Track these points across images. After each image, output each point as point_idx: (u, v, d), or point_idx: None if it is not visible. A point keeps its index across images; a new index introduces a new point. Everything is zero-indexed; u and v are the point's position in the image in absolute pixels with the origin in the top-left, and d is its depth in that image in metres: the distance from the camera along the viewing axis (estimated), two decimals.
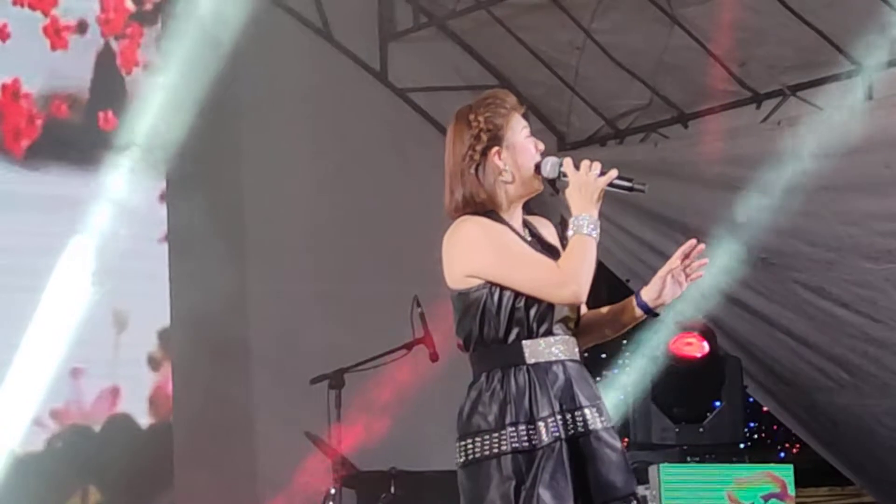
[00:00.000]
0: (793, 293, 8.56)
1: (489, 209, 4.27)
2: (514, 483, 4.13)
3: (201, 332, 8.38)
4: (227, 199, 8.81)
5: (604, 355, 8.54)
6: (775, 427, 11.78)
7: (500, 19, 9.02)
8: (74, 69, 8.07)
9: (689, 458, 7.95)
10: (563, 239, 4.33)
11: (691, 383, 8.16)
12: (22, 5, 7.95)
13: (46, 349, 7.73)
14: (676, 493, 7.65)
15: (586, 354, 4.39)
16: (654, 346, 8.22)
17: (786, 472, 7.86)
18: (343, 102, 9.29)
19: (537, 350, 4.22)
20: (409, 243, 8.68)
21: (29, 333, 7.74)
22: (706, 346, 8.14)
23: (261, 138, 8.95)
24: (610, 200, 4.33)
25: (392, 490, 7.77)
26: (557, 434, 4.16)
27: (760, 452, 11.20)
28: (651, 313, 4.37)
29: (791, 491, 7.79)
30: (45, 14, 8.00)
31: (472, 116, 4.31)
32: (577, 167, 4.29)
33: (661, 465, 7.72)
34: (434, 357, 7.46)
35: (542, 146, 4.37)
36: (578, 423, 4.20)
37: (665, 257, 4.42)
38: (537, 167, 4.31)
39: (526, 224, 4.39)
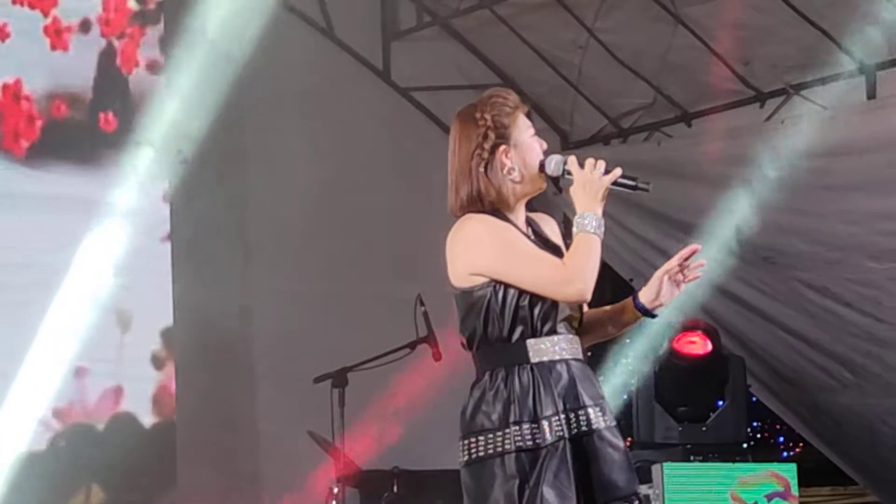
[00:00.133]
0: (796, 292, 8.55)
1: (496, 207, 4.27)
2: (517, 482, 4.13)
3: (204, 332, 8.39)
4: (229, 198, 8.81)
5: (607, 355, 8.54)
6: (778, 426, 11.79)
7: (504, 18, 9.01)
8: (75, 69, 8.07)
9: (692, 458, 7.94)
10: (568, 237, 4.33)
11: (695, 382, 8.16)
12: (22, 4, 7.95)
13: (50, 349, 7.74)
14: (680, 493, 7.65)
15: (590, 354, 4.39)
16: (657, 345, 8.23)
17: (789, 472, 7.85)
18: (346, 101, 9.30)
19: (541, 349, 4.22)
20: (412, 242, 8.69)
21: (32, 333, 7.74)
22: (709, 345, 8.14)
23: (264, 137, 8.95)
24: (613, 199, 4.33)
25: (395, 489, 7.77)
26: (561, 433, 4.16)
27: (764, 451, 11.20)
28: (649, 314, 4.37)
29: (794, 490, 7.79)
30: (46, 14, 8.00)
31: (478, 115, 4.30)
32: (581, 165, 4.29)
33: (665, 464, 7.72)
34: (437, 356, 7.45)
35: (545, 145, 4.37)
36: (582, 423, 4.20)
37: (668, 256, 4.42)
38: (541, 165, 4.32)
39: (529, 222, 4.39)
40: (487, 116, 4.29)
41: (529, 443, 4.15)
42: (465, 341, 4.31)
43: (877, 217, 7.80)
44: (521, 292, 4.21)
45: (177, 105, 8.02)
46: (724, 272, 8.67)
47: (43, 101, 7.96)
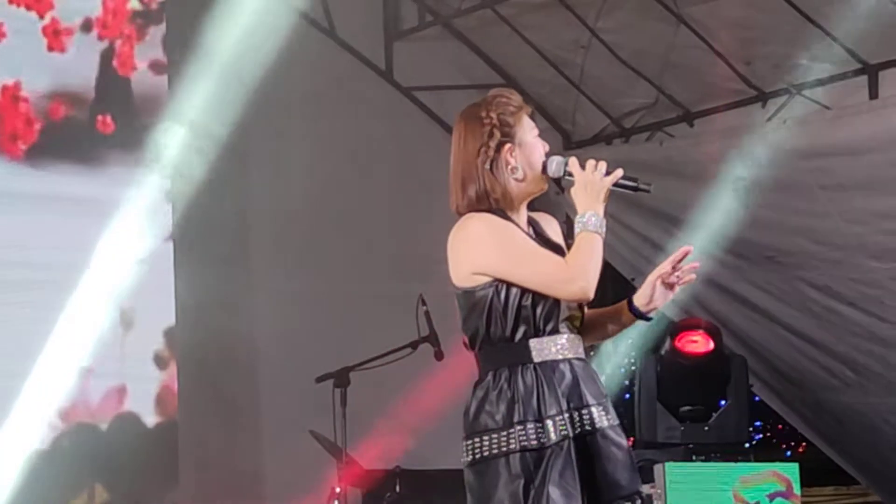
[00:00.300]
0: (799, 292, 8.55)
1: (500, 206, 4.27)
2: (522, 482, 4.13)
3: (207, 331, 8.39)
4: (232, 197, 8.82)
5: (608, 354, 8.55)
6: (781, 426, 11.77)
7: (506, 18, 9.01)
8: (73, 71, 8.07)
9: (694, 457, 7.94)
10: (570, 237, 4.33)
11: (697, 382, 8.16)
12: (18, 5, 7.94)
13: (53, 348, 7.74)
14: (682, 492, 7.64)
15: (592, 353, 4.40)
16: (659, 344, 8.23)
17: (791, 471, 7.85)
18: (348, 101, 9.31)
19: (544, 349, 4.23)
20: (415, 241, 8.69)
21: (35, 333, 7.75)
22: (711, 344, 8.14)
23: (266, 137, 8.96)
24: (615, 199, 4.33)
25: (397, 489, 7.78)
26: (566, 432, 4.17)
27: (766, 451, 11.19)
28: (644, 318, 4.38)
29: (796, 490, 7.79)
30: (41, 16, 7.99)
31: (483, 113, 4.31)
32: (582, 166, 4.29)
33: (667, 463, 7.72)
34: (439, 356, 7.46)
35: (547, 147, 4.38)
36: (585, 422, 4.21)
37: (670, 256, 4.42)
38: (543, 166, 4.32)
39: (531, 222, 4.39)
40: (493, 115, 4.30)
41: (534, 442, 4.15)
42: (467, 341, 4.31)
43: (879, 216, 7.80)
44: (524, 292, 4.21)
45: (188, 108, 8.05)
46: (726, 271, 8.69)
47: (41, 103, 7.96)
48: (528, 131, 4.33)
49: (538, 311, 4.22)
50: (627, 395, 8.45)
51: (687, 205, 8.41)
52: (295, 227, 9.02)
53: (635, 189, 4.31)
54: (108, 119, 8.12)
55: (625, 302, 4.40)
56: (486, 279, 4.22)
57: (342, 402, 7.42)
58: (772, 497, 7.76)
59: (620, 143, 9.24)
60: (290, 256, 9.02)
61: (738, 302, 8.91)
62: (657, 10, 8.28)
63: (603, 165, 4.28)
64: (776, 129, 7.97)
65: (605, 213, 4.25)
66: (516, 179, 4.29)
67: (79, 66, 8.07)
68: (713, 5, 8.07)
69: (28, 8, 7.95)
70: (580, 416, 4.21)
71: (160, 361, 8.20)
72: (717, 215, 8.16)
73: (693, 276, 4.35)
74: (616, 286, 8.51)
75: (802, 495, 7.89)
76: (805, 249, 8.27)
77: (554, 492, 4.11)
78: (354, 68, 9.44)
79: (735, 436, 8.17)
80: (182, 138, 8.16)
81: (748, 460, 8.00)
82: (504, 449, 4.16)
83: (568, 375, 4.23)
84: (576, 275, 4.19)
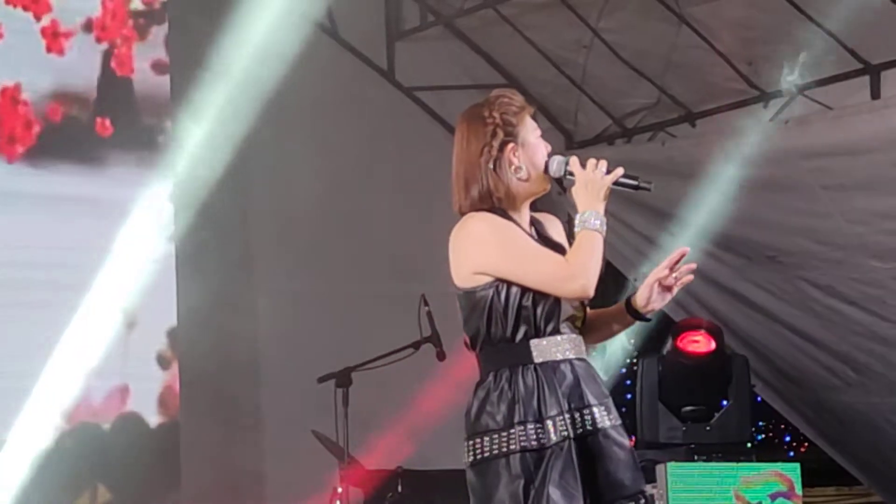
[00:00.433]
0: (800, 291, 8.56)
1: (502, 206, 4.28)
2: (523, 482, 4.14)
3: (209, 332, 8.39)
4: (233, 197, 8.82)
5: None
6: (782, 426, 11.79)
7: (508, 18, 9.02)
8: (73, 72, 8.07)
9: (696, 457, 7.94)
10: (571, 237, 4.34)
11: (699, 382, 8.16)
12: (15, 6, 7.94)
13: (55, 349, 7.75)
14: (684, 492, 7.65)
15: (593, 353, 4.40)
16: (660, 344, 8.23)
17: (793, 471, 7.85)
18: (350, 101, 9.30)
19: (545, 349, 4.23)
20: (416, 241, 8.69)
21: (37, 334, 7.75)
22: (713, 344, 8.14)
23: (267, 137, 8.95)
24: (616, 198, 4.34)
25: (399, 489, 7.78)
26: (566, 433, 4.17)
27: (768, 451, 11.20)
28: (642, 319, 4.39)
29: (798, 490, 7.79)
30: (38, 18, 7.98)
31: (486, 113, 4.31)
32: (583, 165, 4.30)
33: (669, 463, 7.72)
34: (441, 356, 7.46)
35: (549, 147, 4.39)
36: (587, 422, 4.21)
37: None
38: (546, 166, 4.33)
39: (533, 222, 4.40)
40: (496, 115, 4.31)
41: (534, 443, 4.15)
42: (468, 341, 4.32)
43: (881, 216, 7.80)
44: (524, 292, 4.21)
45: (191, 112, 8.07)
46: (728, 271, 8.69)
47: (40, 105, 7.96)
48: (530, 131, 4.33)
49: (539, 311, 4.22)
50: (629, 395, 8.45)
51: (689, 204, 8.42)
52: (297, 227, 9.02)
53: (636, 187, 4.32)
54: (108, 122, 8.12)
55: (622, 304, 4.40)
56: (487, 279, 4.23)
57: (344, 402, 7.42)
58: (773, 497, 7.76)
59: (622, 143, 9.24)
60: (293, 256, 9.03)
61: (740, 302, 8.91)
62: (659, 10, 8.29)
63: (604, 164, 4.29)
64: (778, 129, 7.97)
65: (606, 212, 4.26)
66: (520, 179, 4.30)
67: (79, 67, 8.07)
68: (715, 5, 8.08)
69: (25, 9, 7.95)
70: (581, 416, 4.21)
71: (163, 361, 8.20)
72: (718, 215, 8.16)
73: (691, 276, 4.36)
74: (617, 285, 8.53)
75: (804, 495, 7.89)
76: (806, 249, 8.27)
77: (554, 492, 4.12)
78: (356, 68, 9.45)
79: (737, 436, 8.17)
80: (184, 138, 8.16)
81: (750, 460, 8.00)
82: (504, 449, 4.16)
83: (569, 376, 4.23)
84: (576, 273, 4.19)
